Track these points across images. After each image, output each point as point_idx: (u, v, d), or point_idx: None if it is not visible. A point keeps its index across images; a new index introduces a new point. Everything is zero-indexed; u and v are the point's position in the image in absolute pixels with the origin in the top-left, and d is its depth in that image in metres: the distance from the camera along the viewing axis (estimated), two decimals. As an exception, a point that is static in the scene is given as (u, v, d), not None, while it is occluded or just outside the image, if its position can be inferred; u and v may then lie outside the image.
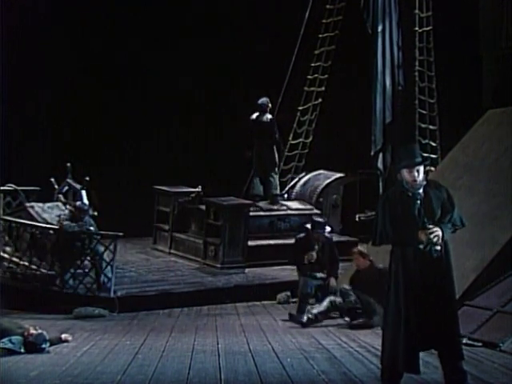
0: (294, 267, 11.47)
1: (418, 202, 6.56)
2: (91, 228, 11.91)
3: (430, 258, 6.49)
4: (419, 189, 6.57)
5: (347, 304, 10.19)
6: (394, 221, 6.52)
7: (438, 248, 6.47)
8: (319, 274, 10.96)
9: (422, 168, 6.62)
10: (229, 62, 17.52)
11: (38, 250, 12.02)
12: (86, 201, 12.83)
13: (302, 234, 11.44)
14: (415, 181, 6.54)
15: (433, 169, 9.89)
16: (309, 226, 11.37)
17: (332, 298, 10.42)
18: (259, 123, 15.00)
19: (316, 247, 10.99)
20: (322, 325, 10.07)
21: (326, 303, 10.33)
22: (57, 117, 17.17)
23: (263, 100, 15.09)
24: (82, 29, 17.19)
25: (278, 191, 15.27)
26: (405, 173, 6.58)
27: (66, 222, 11.87)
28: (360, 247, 10.68)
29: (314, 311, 10.24)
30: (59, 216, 12.37)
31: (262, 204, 14.78)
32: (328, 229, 11.26)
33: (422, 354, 7.11)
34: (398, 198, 6.61)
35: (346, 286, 10.40)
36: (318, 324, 10.08)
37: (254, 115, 15.04)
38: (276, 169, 15.35)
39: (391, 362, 6.54)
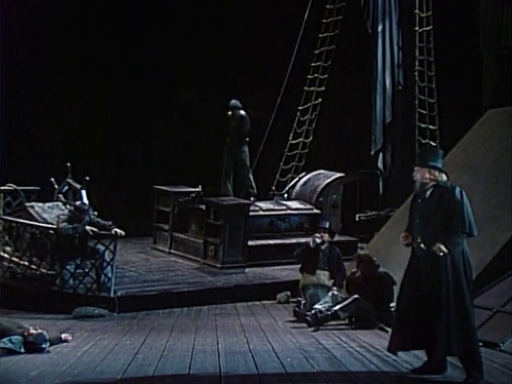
0: (292, 267, 11.38)
1: (419, 200, 6.97)
2: (87, 228, 11.77)
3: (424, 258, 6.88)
4: (424, 190, 6.92)
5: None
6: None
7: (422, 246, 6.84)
8: (322, 274, 10.64)
9: (422, 169, 6.96)
10: (228, 61, 17.52)
11: (37, 250, 12.00)
12: (85, 200, 12.80)
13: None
14: (414, 180, 7.01)
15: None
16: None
17: (334, 292, 10.25)
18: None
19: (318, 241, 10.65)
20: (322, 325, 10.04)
21: (328, 298, 10.17)
22: (57, 117, 17.16)
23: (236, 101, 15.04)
24: (83, 28, 17.19)
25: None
26: None
27: (62, 224, 11.78)
28: (368, 252, 10.54)
29: (318, 307, 10.11)
30: (59, 216, 12.34)
31: (262, 204, 14.77)
32: (327, 224, 10.93)
33: (422, 354, 7.15)
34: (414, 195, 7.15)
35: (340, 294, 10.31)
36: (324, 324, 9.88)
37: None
38: None
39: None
